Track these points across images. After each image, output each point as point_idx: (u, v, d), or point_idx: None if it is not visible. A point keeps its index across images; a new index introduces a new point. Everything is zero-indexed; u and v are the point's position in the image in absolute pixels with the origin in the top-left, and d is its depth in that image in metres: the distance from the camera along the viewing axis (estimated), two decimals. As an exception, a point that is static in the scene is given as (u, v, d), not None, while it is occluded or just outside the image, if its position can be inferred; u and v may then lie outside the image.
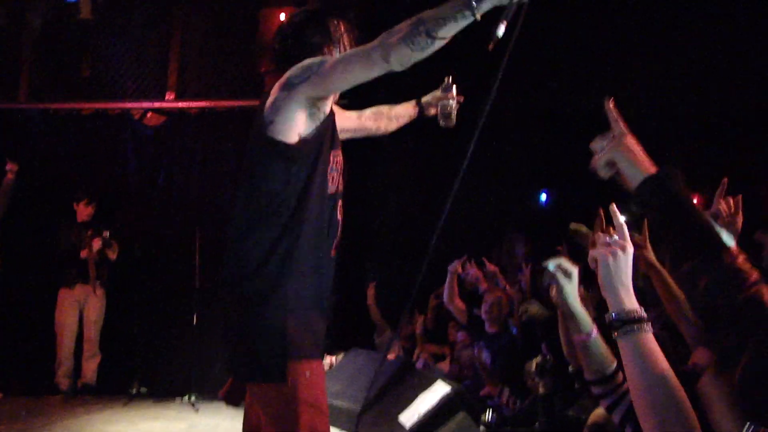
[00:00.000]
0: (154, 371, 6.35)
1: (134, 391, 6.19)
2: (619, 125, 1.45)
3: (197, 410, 5.70)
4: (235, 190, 1.97)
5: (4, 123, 6.72)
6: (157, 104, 6.72)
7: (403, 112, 2.60)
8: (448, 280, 4.97)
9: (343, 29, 2.11)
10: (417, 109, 2.58)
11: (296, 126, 1.92)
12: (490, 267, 4.99)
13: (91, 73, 6.79)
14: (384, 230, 6.41)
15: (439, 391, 3.64)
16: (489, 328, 4.63)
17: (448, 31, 1.68)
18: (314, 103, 1.93)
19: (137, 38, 6.84)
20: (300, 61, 1.95)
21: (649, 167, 1.38)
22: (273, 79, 6.06)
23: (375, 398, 4.40)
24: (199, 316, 6.02)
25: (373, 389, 4.50)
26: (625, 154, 1.40)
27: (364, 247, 6.27)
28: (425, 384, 3.80)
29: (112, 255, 6.30)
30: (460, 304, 5.00)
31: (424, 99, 2.59)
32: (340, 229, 2.09)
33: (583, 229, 2.96)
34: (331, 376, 5.08)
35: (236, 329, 1.97)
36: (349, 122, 2.44)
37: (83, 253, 6.18)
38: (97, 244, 6.21)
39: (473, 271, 4.96)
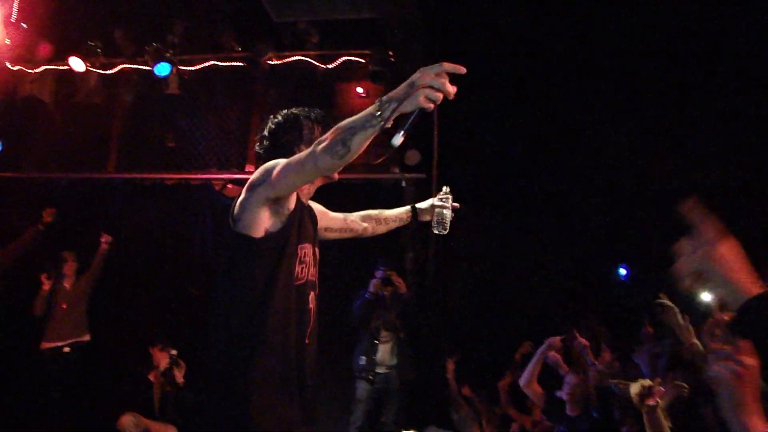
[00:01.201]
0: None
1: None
2: (709, 229, 1.27)
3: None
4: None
5: (95, 192, 7.10)
6: (237, 176, 6.98)
7: (394, 216, 2.78)
8: (534, 361, 4.87)
9: (318, 130, 2.29)
10: (411, 214, 2.76)
11: (261, 222, 2.08)
12: (582, 341, 4.89)
13: (175, 144, 7.14)
14: (462, 304, 6.39)
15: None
16: (570, 411, 4.54)
17: (359, 140, 1.83)
18: (275, 202, 2.10)
19: (220, 113, 7.25)
20: (273, 159, 2.11)
21: (750, 285, 1.20)
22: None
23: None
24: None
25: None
26: (719, 268, 1.22)
27: (442, 322, 6.25)
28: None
29: (180, 377, 6.36)
30: (537, 387, 4.91)
31: (419, 205, 2.76)
32: (313, 318, 2.24)
33: (669, 303, 2.93)
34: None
35: (204, 412, 2.12)
36: (335, 223, 2.64)
37: (150, 376, 6.23)
38: (164, 361, 6.34)
39: (552, 354, 4.88)
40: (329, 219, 2.61)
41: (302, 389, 2.13)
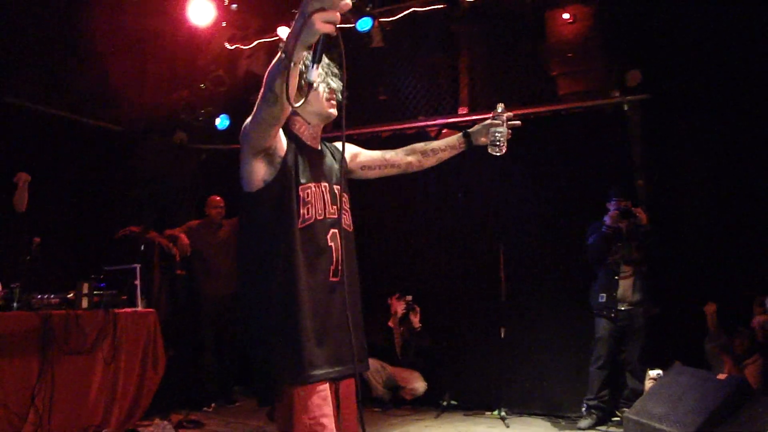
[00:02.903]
0: (463, 384, 6.64)
1: (445, 403, 6.52)
2: None
3: (507, 425, 5.85)
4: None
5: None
6: (451, 120, 7.08)
7: (443, 145, 2.66)
8: None
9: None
10: (464, 140, 2.63)
11: (257, 175, 2.17)
12: None
13: (387, 97, 7.41)
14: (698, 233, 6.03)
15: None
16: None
17: (280, 83, 1.86)
18: (262, 153, 2.14)
19: (426, 59, 7.39)
20: None
21: None
22: (566, 81, 6.12)
23: (708, 426, 4.17)
24: (507, 330, 6.21)
25: (702, 414, 4.27)
26: None
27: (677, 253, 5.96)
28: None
29: (416, 321, 6.72)
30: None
31: (473, 129, 2.63)
32: (337, 255, 2.24)
33: None
34: (652, 396, 4.94)
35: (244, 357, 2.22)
36: (372, 161, 2.61)
37: (390, 323, 6.76)
38: (401, 308, 6.71)
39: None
40: (365, 157, 2.62)
41: (326, 329, 2.17)
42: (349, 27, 7.12)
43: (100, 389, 5.06)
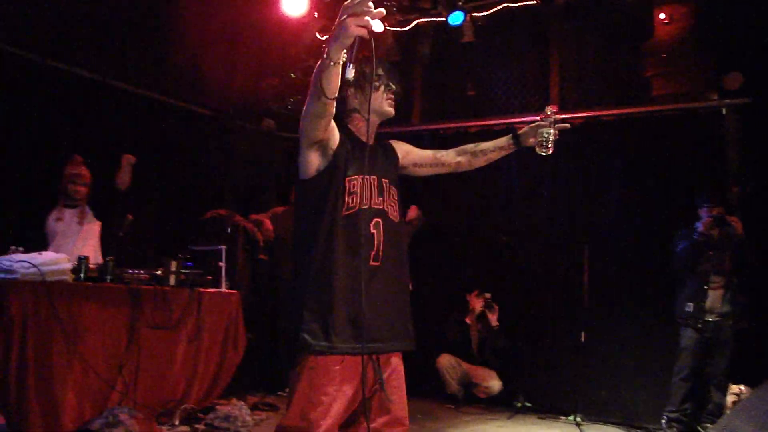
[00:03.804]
0: (538, 387, 6.64)
1: (519, 404, 6.55)
2: None
3: (582, 431, 5.82)
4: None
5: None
6: (539, 118, 7.04)
7: (492, 146, 2.80)
8: None
9: (383, 84, 2.51)
10: (513, 141, 2.77)
11: (311, 165, 2.39)
12: None
13: (475, 92, 7.45)
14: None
15: None
16: None
17: (326, 81, 2.09)
18: (317, 145, 2.36)
19: (517, 55, 7.41)
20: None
21: None
22: (661, 82, 6.02)
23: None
24: (587, 336, 6.18)
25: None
26: None
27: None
28: None
29: (494, 320, 6.75)
30: None
31: (522, 130, 2.76)
32: (378, 242, 2.41)
33: None
34: (740, 413, 4.80)
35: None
36: (423, 159, 2.77)
37: (467, 319, 6.81)
38: (479, 305, 6.74)
39: None
40: (416, 155, 2.77)
41: (361, 308, 2.29)
42: (441, 21, 7.20)
43: (182, 365, 5.26)
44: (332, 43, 2.03)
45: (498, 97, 7.35)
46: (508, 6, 7.05)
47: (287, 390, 6.56)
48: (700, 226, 5.53)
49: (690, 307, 5.60)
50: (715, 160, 6.16)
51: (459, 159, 2.79)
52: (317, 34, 7.68)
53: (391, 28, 7.58)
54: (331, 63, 2.05)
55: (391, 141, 2.74)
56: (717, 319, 5.53)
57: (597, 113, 6.78)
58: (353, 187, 2.41)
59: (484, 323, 6.80)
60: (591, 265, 6.27)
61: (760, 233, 5.71)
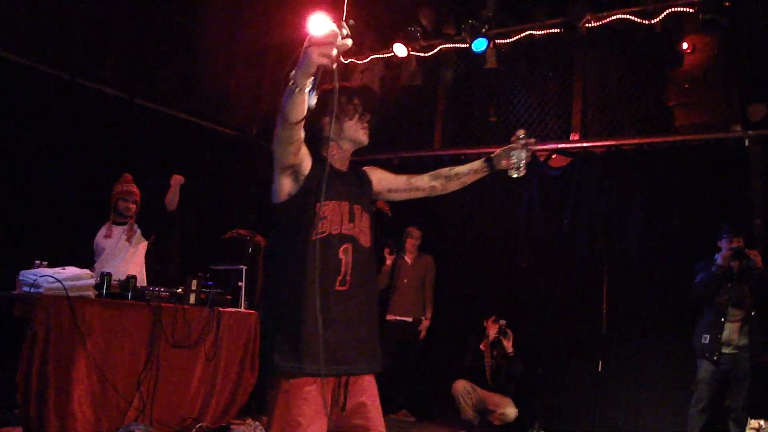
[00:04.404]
0: (554, 415, 6.60)
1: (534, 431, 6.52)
2: None
3: (598, 461, 5.81)
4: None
5: (424, 169, 7.77)
6: (561, 145, 7.13)
7: (466, 170, 2.81)
8: None
9: (355, 102, 2.56)
10: (487, 165, 2.77)
11: (284, 189, 2.46)
12: None
13: (497, 118, 7.51)
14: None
15: None
16: None
17: (290, 108, 2.15)
18: (290, 170, 2.43)
19: (540, 82, 7.50)
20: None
21: None
22: (683, 112, 6.03)
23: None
24: (605, 364, 6.15)
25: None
26: None
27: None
28: None
29: (509, 346, 6.69)
30: None
31: (495, 154, 2.76)
32: (345, 267, 2.46)
33: None
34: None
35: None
36: (398, 184, 2.80)
37: (481, 346, 6.76)
38: (493, 331, 6.74)
39: None
40: (390, 181, 2.81)
41: (328, 331, 2.34)
42: (465, 47, 7.29)
43: (199, 383, 5.31)
44: (297, 71, 2.09)
45: (520, 123, 7.38)
46: (531, 34, 7.14)
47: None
48: (719, 258, 5.51)
49: (706, 339, 5.56)
50: (737, 191, 6.14)
51: (433, 183, 2.83)
52: (342, 58, 7.80)
53: (415, 54, 7.70)
54: (297, 89, 2.11)
55: (365, 167, 2.80)
56: (734, 351, 5.48)
57: (619, 142, 6.81)
58: (324, 212, 2.47)
59: (499, 350, 6.79)
60: (610, 293, 6.26)
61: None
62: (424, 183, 2.83)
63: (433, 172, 2.86)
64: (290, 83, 2.12)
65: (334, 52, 2.02)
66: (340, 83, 2.21)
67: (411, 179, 2.84)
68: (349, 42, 2.04)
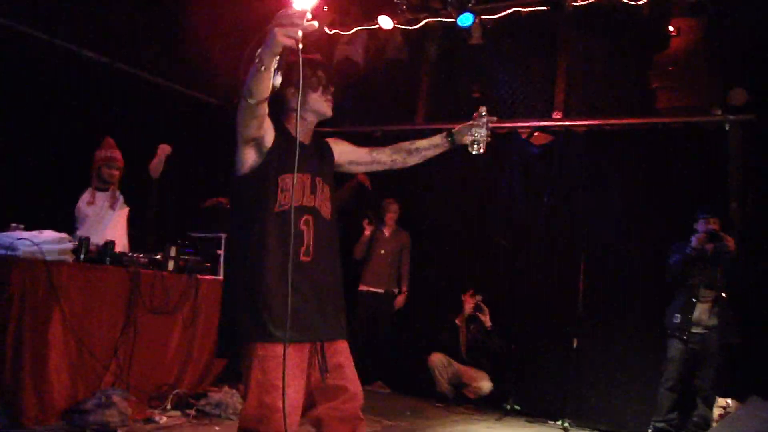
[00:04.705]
0: (529, 390, 6.67)
1: (508, 407, 6.57)
2: None
3: (569, 436, 5.87)
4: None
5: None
6: (544, 123, 7.14)
7: (427, 144, 2.89)
8: None
9: (318, 73, 2.62)
10: (448, 140, 2.86)
11: (247, 162, 2.49)
12: None
13: (481, 94, 7.50)
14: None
15: None
16: None
17: (255, 84, 2.19)
18: (252, 141, 2.45)
19: (524, 59, 7.48)
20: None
21: None
22: (666, 95, 6.07)
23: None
24: (580, 342, 6.21)
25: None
26: None
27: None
28: None
29: (487, 320, 6.80)
30: None
31: (456, 129, 2.85)
32: (308, 238, 2.52)
33: None
34: (725, 428, 4.85)
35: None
36: (359, 156, 2.86)
37: (457, 320, 6.87)
38: (469, 306, 6.80)
39: None
40: (352, 153, 2.86)
41: (294, 300, 2.35)
42: (451, 22, 7.25)
43: (177, 350, 5.32)
44: (263, 50, 2.12)
45: (503, 100, 7.38)
46: (517, 10, 7.11)
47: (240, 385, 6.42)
48: (694, 240, 5.60)
49: (677, 318, 5.68)
50: (716, 175, 6.21)
51: (394, 157, 2.88)
52: (326, 29, 7.74)
53: (400, 26, 7.64)
54: (263, 68, 2.15)
55: (328, 139, 2.84)
56: (703, 331, 5.59)
57: (600, 122, 6.84)
58: (285, 185, 2.50)
59: (477, 324, 6.85)
60: (587, 272, 6.30)
61: (759, 249, 5.77)
62: (386, 156, 2.88)
63: (394, 146, 2.90)
64: (256, 61, 2.15)
65: (300, 33, 2.05)
66: (303, 55, 2.21)
67: (372, 152, 2.89)
68: (316, 24, 2.06)
